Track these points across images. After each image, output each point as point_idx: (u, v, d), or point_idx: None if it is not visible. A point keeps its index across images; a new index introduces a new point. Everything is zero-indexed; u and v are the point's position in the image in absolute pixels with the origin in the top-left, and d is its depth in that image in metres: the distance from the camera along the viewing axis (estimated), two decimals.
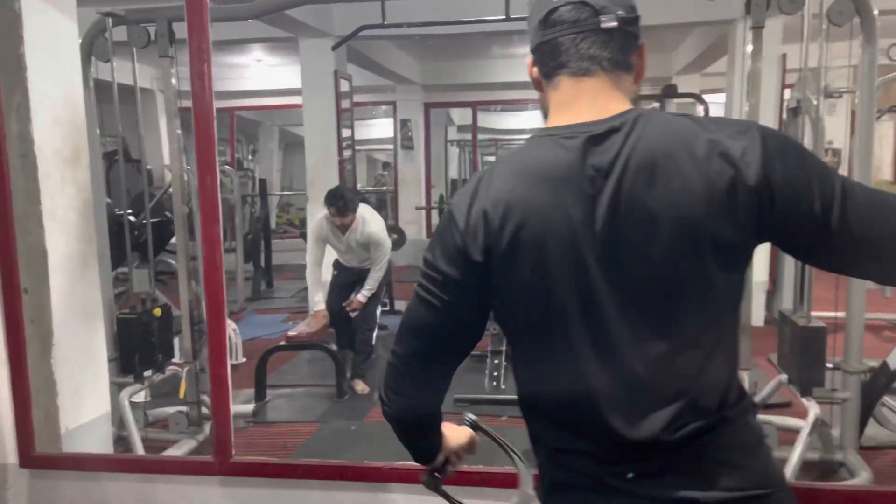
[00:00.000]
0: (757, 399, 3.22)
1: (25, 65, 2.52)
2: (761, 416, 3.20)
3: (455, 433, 1.26)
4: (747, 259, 0.96)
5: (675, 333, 0.94)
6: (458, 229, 1.00)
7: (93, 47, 3.35)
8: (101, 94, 3.46)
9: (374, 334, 4.63)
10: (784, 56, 5.08)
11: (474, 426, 1.28)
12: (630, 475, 0.96)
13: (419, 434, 1.20)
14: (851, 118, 3.30)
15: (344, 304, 4.49)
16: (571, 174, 0.94)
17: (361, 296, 4.46)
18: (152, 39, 3.31)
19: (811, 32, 2.87)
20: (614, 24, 0.96)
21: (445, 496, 1.27)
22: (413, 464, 1.26)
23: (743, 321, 3.13)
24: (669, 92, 6.14)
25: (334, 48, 3.26)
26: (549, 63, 1.01)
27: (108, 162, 6.97)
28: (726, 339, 0.97)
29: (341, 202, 4.28)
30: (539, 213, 0.95)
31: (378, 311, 4.72)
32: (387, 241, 4.53)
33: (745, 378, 3.07)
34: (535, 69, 1.04)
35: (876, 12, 2.75)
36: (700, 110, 6.68)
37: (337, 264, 4.72)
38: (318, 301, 4.46)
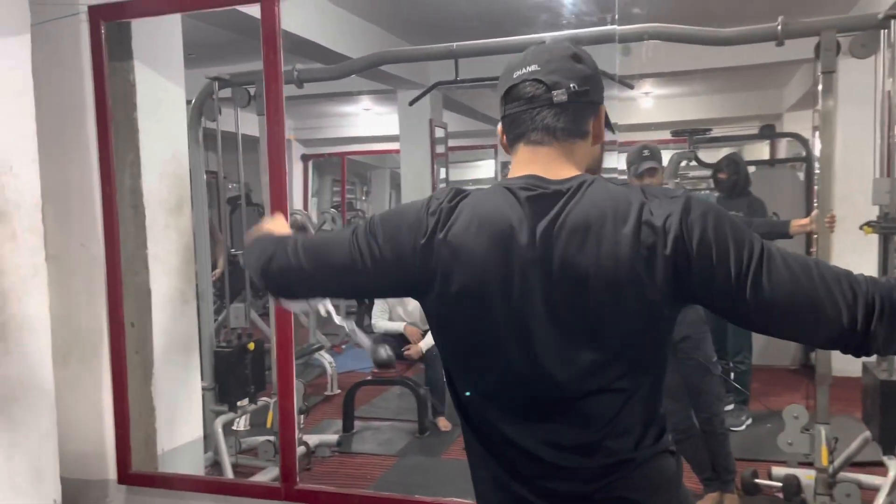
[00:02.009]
0: (842, 457, 3.06)
1: (138, 127, 2.89)
2: (846, 474, 3.04)
3: None
4: (669, 318, 1.03)
5: (597, 379, 1.03)
6: (419, 234, 1.08)
7: (203, 108, 3.76)
8: (229, 144, 3.85)
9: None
10: (889, 93, 4.82)
11: None
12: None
13: None
14: None
15: (403, 349, 4.63)
16: (519, 231, 1.04)
17: (424, 344, 4.56)
18: (252, 97, 3.68)
19: None
20: (564, 98, 1.07)
21: None
22: (460, 500, 1.36)
23: (823, 371, 3.01)
24: (767, 133, 5.96)
25: (411, 103, 3.50)
26: (511, 133, 1.13)
27: (231, 206, 7.62)
28: (647, 386, 1.05)
29: None
30: (485, 263, 1.05)
31: None
32: None
33: (823, 432, 2.94)
34: (504, 136, 1.16)
35: None
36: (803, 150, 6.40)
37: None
38: (399, 325, 4.62)
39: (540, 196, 1.05)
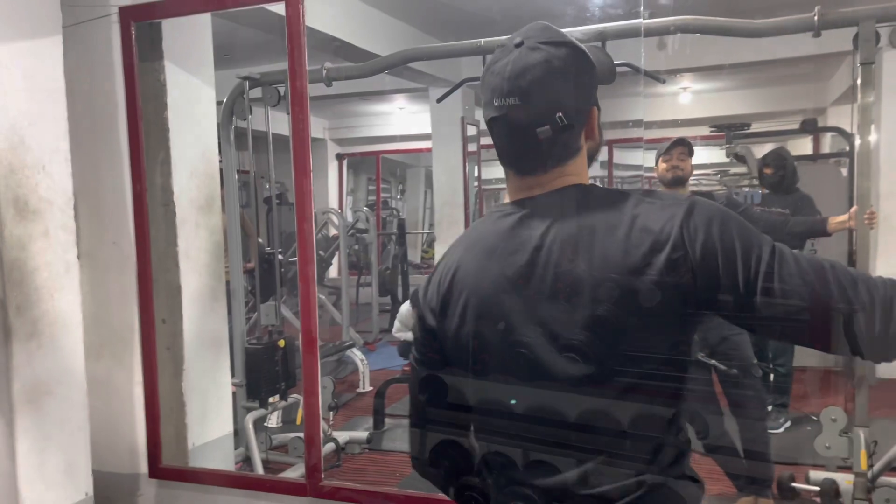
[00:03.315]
0: (882, 461, 2.96)
1: (168, 126, 2.92)
2: (886, 479, 2.93)
3: None
4: (679, 327, 0.98)
5: (600, 394, 0.98)
6: (423, 297, 1.14)
7: (234, 107, 3.80)
8: (265, 144, 3.88)
9: None
10: None
11: None
12: None
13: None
14: None
15: None
16: (509, 247, 1.03)
17: None
18: (282, 96, 3.71)
19: None
20: (550, 134, 1.01)
21: None
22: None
23: (862, 372, 2.91)
24: (808, 127, 5.79)
25: (439, 100, 3.47)
26: (501, 160, 1.09)
27: (268, 205, 7.73)
28: (659, 402, 0.99)
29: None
30: (478, 280, 1.05)
31: None
32: None
33: (862, 435, 2.84)
34: None
35: None
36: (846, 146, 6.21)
37: None
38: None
39: (527, 214, 1.04)
